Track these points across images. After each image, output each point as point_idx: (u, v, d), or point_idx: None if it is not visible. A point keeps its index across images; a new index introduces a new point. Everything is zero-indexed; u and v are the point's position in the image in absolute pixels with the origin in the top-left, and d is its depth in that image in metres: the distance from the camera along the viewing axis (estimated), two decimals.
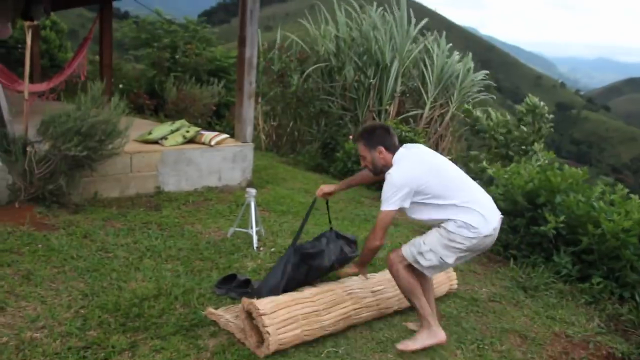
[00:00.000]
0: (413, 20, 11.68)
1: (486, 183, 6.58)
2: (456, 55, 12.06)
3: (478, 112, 10.04)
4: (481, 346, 3.76)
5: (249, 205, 5.04)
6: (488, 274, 5.19)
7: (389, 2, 11.86)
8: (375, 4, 11.97)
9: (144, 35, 15.31)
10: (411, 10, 11.72)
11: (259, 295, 3.53)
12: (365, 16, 11.79)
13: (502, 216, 3.55)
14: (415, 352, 3.48)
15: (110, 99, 5.65)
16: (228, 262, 4.58)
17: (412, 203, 3.42)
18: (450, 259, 3.44)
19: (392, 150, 3.56)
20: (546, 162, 6.66)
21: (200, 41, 15.34)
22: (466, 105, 10.70)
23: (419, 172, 3.42)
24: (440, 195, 3.40)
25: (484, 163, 7.15)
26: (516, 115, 10.06)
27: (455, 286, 4.56)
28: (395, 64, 10.99)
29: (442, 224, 3.43)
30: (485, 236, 3.40)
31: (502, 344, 3.84)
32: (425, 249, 3.44)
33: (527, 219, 5.47)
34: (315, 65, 11.72)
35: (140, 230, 5.10)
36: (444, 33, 12.43)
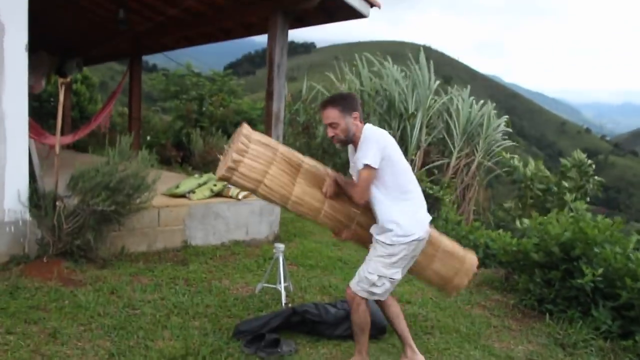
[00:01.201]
0: (432, 73, 11.71)
1: (516, 235, 6.43)
2: (476, 105, 12.04)
3: (515, 161, 9.84)
4: None
5: (277, 261, 4.98)
6: (523, 330, 5.01)
7: (410, 56, 11.95)
8: (390, 59, 12.08)
9: (173, 88, 15.60)
10: (431, 62, 11.79)
11: (237, 329, 4.07)
12: (386, 71, 11.87)
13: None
14: None
15: (138, 152, 5.68)
16: None
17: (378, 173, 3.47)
18: (398, 275, 3.55)
19: (362, 120, 3.63)
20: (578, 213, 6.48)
21: (227, 93, 15.56)
22: (504, 154, 10.48)
23: (389, 137, 3.55)
24: (397, 172, 3.49)
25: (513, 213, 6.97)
26: (557, 168, 9.81)
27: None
28: (419, 115, 10.99)
29: (379, 238, 3.53)
30: (420, 240, 3.53)
31: None
32: (374, 279, 3.50)
33: (562, 271, 5.30)
34: None
35: (168, 286, 5.04)
36: (469, 86, 12.46)
